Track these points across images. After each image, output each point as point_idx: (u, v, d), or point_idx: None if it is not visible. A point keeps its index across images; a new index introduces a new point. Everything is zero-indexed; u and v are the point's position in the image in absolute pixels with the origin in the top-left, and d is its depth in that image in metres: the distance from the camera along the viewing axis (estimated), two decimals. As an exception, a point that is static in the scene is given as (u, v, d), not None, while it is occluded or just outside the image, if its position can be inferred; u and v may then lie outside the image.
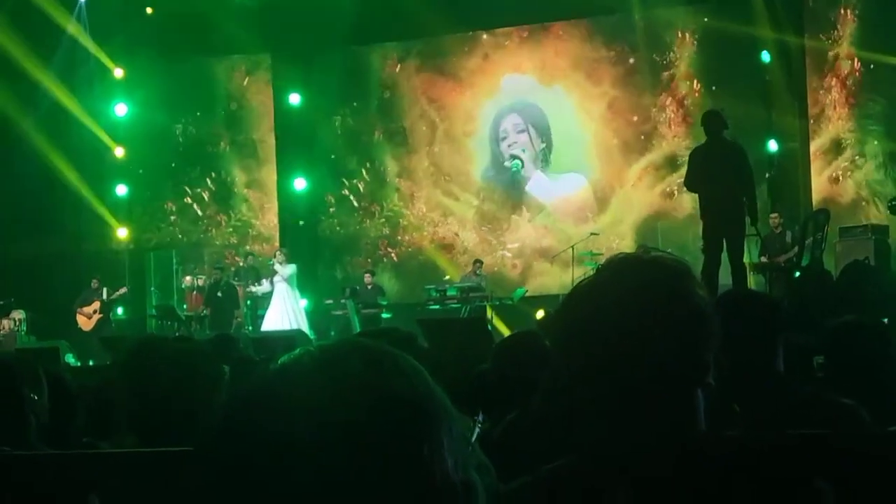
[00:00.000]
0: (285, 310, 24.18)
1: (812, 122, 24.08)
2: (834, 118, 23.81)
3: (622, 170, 25.87)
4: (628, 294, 2.56)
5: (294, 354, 1.53)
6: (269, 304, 24.48)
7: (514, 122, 26.88)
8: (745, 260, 16.75)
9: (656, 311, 2.53)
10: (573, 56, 26.28)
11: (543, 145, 26.63)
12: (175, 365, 4.65)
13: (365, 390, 1.47)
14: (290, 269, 24.67)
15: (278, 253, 25.10)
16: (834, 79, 23.84)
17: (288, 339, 17.77)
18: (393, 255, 27.44)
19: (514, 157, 26.78)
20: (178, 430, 3.82)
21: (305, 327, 23.58)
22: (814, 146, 24.07)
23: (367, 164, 27.68)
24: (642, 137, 25.68)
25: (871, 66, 23.16)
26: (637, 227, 25.33)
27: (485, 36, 26.93)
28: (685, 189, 17.57)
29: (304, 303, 25.48)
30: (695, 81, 25.21)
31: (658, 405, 2.55)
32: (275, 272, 24.63)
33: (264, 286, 24.76)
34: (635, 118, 25.76)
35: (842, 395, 4.67)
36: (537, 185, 26.66)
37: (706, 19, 24.97)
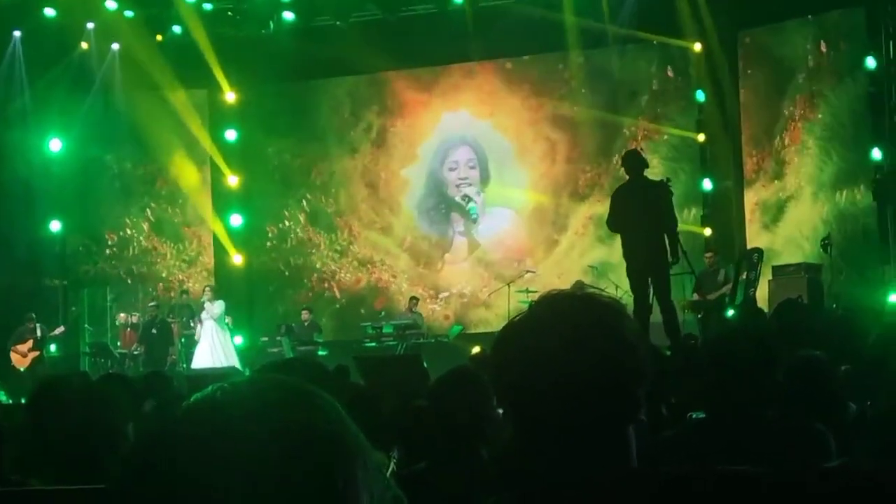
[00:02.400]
0: (213, 346, 24.07)
1: (751, 161, 24.25)
2: (770, 159, 23.99)
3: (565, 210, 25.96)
4: (560, 331, 2.57)
5: (206, 391, 1.52)
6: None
7: (468, 158, 26.90)
8: (679, 298, 16.81)
9: (588, 348, 2.54)
10: (511, 94, 26.37)
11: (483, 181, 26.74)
12: (76, 405, 4.65)
13: (279, 425, 1.47)
14: (219, 305, 24.54)
15: (207, 289, 25.01)
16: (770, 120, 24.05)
17: (221, 376, 17.66)
18: (332, 290, 27.37)
19: (468, 198, 26.73)
20: (85, 468, 3.81)
21: (236, 363, 23.51)
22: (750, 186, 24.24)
23: (305, 200, 27.61)
24: (585, 183, 25.77)
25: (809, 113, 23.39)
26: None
27: (423, 72, 26.94)
28: (608, 229, 17.37)
29: (239, 339, 25.39)
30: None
31: (590, 441, 2.57)
32: (202, 309, 24.54)
33: (199, 327, 24.66)
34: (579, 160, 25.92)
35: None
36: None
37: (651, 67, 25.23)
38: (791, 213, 23.56)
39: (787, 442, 4.58)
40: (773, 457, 4.15)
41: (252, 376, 1.57)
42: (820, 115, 23.24)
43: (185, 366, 24.02)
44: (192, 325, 25.00)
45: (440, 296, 25.94)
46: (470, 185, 26.73)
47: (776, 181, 23.76)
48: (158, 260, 27.73)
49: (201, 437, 1.46)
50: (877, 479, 2.87)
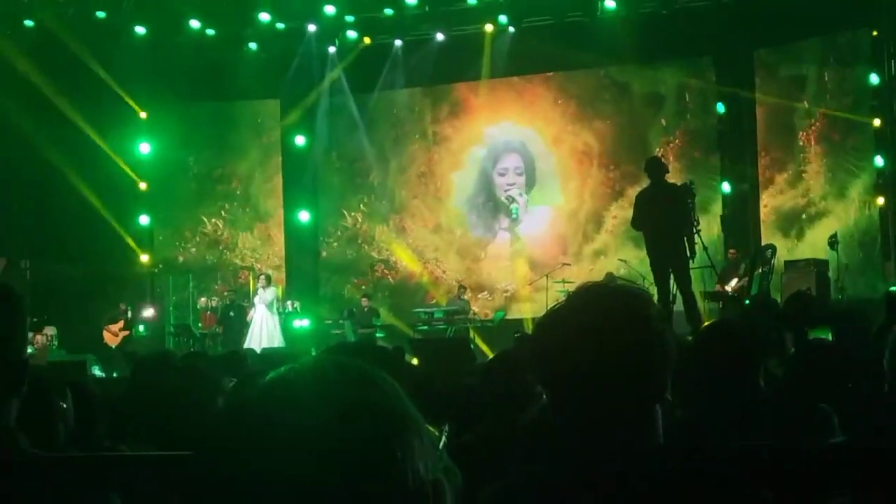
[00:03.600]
0: (262, 328, 24.16)
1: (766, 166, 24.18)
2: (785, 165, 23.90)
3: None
4: (593, 319, 2.57)
5: (280, 371, 1.55)
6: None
7: (516, 165, 26.84)
8: (700, 289, 16.77)
9: (617, 335, 2.54)
10: (554, 105, 26.35)
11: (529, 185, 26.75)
12: (177, 377, 4.67)
13: (344, 402, 1.49)
14: (271, 292, 24.65)
15: (261, 278, 25.09)
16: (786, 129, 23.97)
17: (292, 356, 17.73)
18: (389, 278, 27.43)
19: (511, 199, 26.73)
20: (180, 434, 3.83)
21: (281, 344, 23.64)
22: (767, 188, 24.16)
23: (364, 200, 27.68)
24: (617, 186, 25.74)
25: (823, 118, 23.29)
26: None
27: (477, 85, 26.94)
28: (632, 228, 17.38)
29: (306, 322, 25.47)
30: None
31: (619, 418, 2.56)
32: (256, 295, 24.67)
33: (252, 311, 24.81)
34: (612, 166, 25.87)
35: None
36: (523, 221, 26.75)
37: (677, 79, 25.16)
38: (803, 214, 23.48)
39: (794, 420, 4.57)
40: (781, 433, 4.13)
41: (318, 357, 1.59)
42: (828, 127, 23.13)
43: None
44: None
45: (481, 294, 25.88)
46: (515, 188, 26.67)
47: (790, 186, 23.63)
48: (234, 251, 27.80)
49: (276, 412, 1.48)
50: (877, 454, 2.86)
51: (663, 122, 25.35)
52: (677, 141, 24.98)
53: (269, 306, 24.46)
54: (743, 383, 4.69)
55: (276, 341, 23.82)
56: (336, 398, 1.50)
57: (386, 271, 27.48)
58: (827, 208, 23.06)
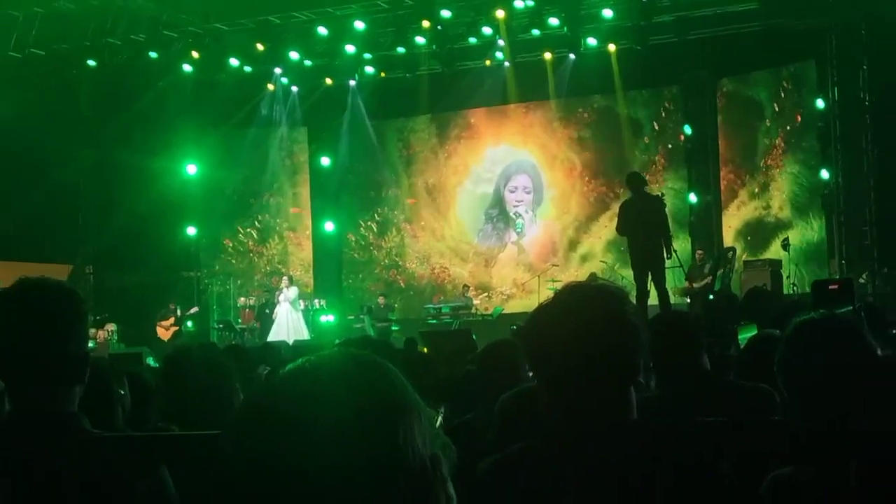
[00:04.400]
0: (287, 324, 24.17)
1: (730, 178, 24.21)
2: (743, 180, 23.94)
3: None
4: (576, 314, 2.59)
5: (297, 362, 1.58)
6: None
7: (525, 185, 26.82)
8: (671, 286, 16.84)
9: (597, 327, 2.56)
10: (547, 129, 26.39)
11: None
12: (201, 369, 4.69)
13: (353, 387, 1.52)
14: (294, 291, 24.70)
15: (284, 279, 25.16)
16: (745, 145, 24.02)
17: (319, 346, 17.76)
18: (400, 281, 27.46)
19: (518, 214, 26.71)
20: (206, 420, 3.84)
21: (305, 336, 23.64)
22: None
23: (378, 211, 27.75)
24: (600, 198, 25.79)
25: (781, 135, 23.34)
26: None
27: (479, 111, 26.97)
28: (617, 233, 17.54)
29: (331, 317, 25.53)
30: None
31: (599, 399, 2.58)
32: (280, 293, 24.68)
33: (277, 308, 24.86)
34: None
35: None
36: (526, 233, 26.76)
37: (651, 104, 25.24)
38: (761, 220, 23.50)
39: (740, 398, 4.59)
40: (729, 411, 4.13)
41: (332, 350, 1.61)
42: (782, 146, 23.16)
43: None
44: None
45: (483, 295, 25.83)
46: (523, 204, 26.69)
47: (751, 197, 23.65)
48: (263, 257, 27.86)
49: (293, 397, 1.51)
50: (809, 430, 2.86)
51: (641, 142, 25.34)
52: (654, 158, 24.98)
53: (293, 303, 24.52)
54: (687, 365, 4.71)
55: (301, 334, 23.86)
56: (346, 385, 1.52)
57: (397, 275, 27.51)
58: (780, 215, 23.06)
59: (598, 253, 25.25)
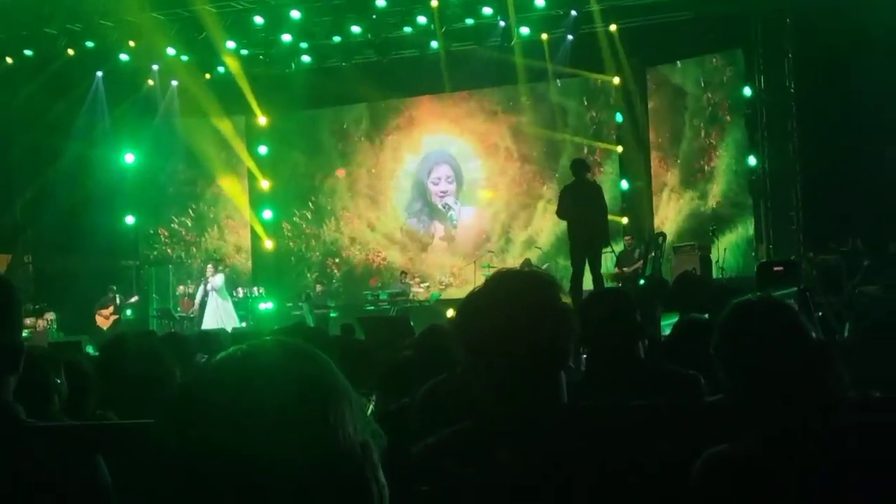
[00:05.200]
0: (216, 310, 23.97)
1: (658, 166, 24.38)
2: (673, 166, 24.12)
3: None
4: (507, 299, 2.60)
5: (229, 351, 1.58)
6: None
7: (447, 175, 26.77)
8: (603, 270, 16.97)
9: (528, 313, 2.57)
10: (482, 117, 26.41)
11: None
12: (137, 357, 4.66)
13: (284, 374, 1.52)
14: (220, 278, 24.42)
15: (209, 266, 24.92)
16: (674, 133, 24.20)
17: (258, 334, 17.66)
18: (335, 269, 27.37)
19: (448, 206, 26.66)
20: (144, 407, 3.82)
21: (235, 323, 23.49)
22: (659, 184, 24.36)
23: (313, 199, 27.65)
24: (534, 183, 25.85)
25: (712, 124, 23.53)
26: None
27: (408, 100, 26.92)
28: (557, 217, 17.59)
29: (270, 305, 25.43)
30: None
31: (531, 383, 2.58)
32: (206, 282, 24.48)
33: (199, 294, 24.65)
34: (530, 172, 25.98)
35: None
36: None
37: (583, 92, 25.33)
38: (691, 205, 23.68)
39: (667, 383, 4.61)
40: (655, 394, 4.15)
41: (262, 339, 1.60)
42: (711, 132, 23.36)
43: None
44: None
45: (423, 284, 25.78)
46: (449, 195, 26.68)
47: (683, 186, 23.84)
48: (207, 244, 27.69)
49: (225, 385, 1.51)
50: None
51: (572, 129, 25.43)
52: (585, 145, 25.07)
53: (220, 291, 24.27)
54: (618, 344, 4.72)
55: (232, 321, 23.65)
56: (277, 372, 1.53)
57: (333, 263, 27.42)
58: (712, 203, 23.26)
59: (534, 239, 25.31)
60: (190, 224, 27.65)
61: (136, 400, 4.18)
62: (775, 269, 14.19)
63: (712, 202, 23.17)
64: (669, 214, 23.92)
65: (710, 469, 2.89)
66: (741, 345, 3.09)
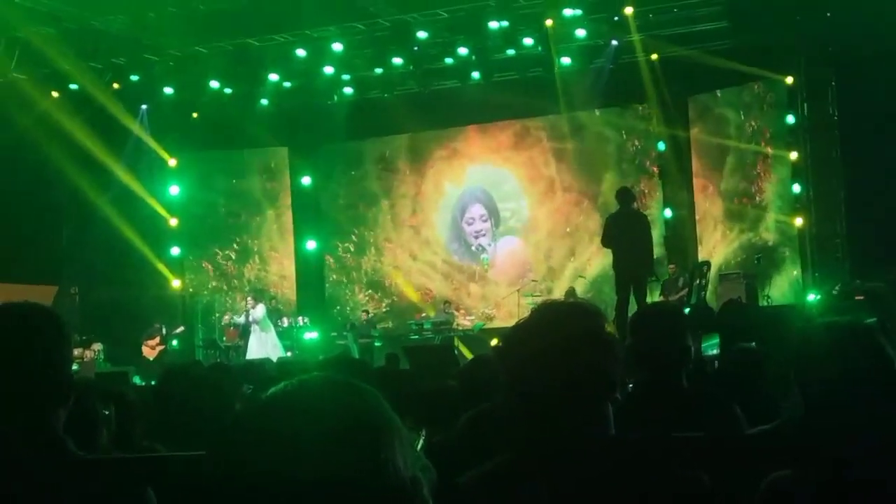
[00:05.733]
0: (260, 340, 23.98)
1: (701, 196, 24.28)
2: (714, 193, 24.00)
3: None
4: (553, 331, 2.59)
5: (279, 387, 1.60)
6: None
7: (481, 213, 26.76)
8: (647, 299, 16.88)
9: (573, 343, 2.56)
10: (524, 146, 26.42)
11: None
12: (197, 387, 4.67)
13: (335, 409, 1.54)
14: (260, 309, 24.39)
15: (249, 298, 24.94)
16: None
17: (302, 363, 17.69)
18: (380, 299, 27.41)
19: (482, 248, 26.65)
20: (200, 439, 3.81)
21: (280, 352, 23.49)
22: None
23: (356, 231, 27.73)
24: (577, 214, 25.82)
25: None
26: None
27: (450, 131, 26.99)
28: (601, 245, 17.53)
29: (315, 334, 25.46)
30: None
31: (576, 414, 2.57)
32: (247, 313, 24.49)
33: (241, 320, 24.68)
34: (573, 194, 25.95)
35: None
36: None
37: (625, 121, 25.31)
38: (735, 233, 23.55)
39: (701, 409, 4.52)
40: (692, 422, 4.07)
41: (310, 376, 1.62)
42: (755, 161, 23.25)
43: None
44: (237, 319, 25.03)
45: (468, 317, 25.77)
46: (484, 235, 26.67)
47: (725, 211, 23.74)
48: (242, 278, 27.79)
49: (278, 419, 1.53)
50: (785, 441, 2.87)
51: (615, 158, 25.40)
52: (628, 174, 25.00)
53: (262, 323, 24.27)
54: (667, 364, 4.64)
55: (277, 351, 23.64)
56: (325, 409, 1.54)
57: (378, 294, 27.46)
58: (754, 228, 23.13)
59: (579, 269, 25.23)
60: (234, 256, 27.76)
61: (193, 431, 4.18)
62: (857, 297, 14.16)
63: (758, 230, 23.01)
64: (714, 243, 23.78)
65: (775, 494, 2.88)
66: (823, 362, 3.04)
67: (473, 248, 26.62)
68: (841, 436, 2.86)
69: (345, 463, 1.48)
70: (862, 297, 13.58)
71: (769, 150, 22.90)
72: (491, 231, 26.57)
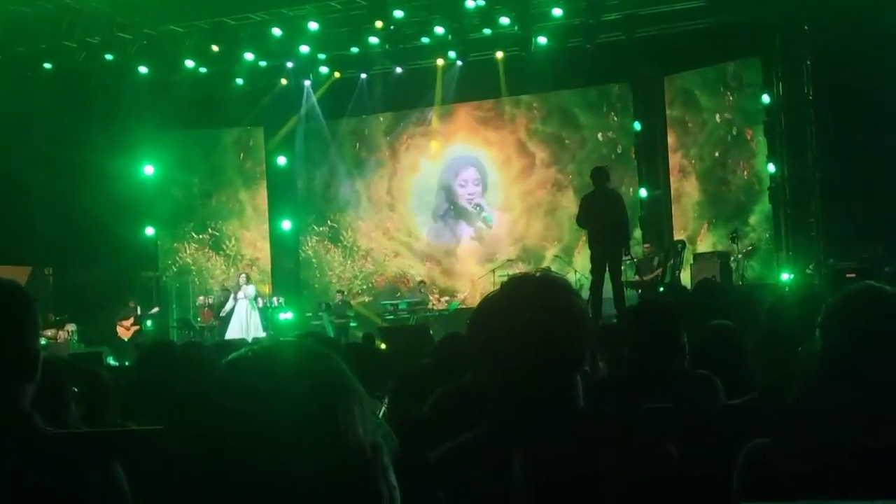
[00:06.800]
0: (244, 320, 24.03)
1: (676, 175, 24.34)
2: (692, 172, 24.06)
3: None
4: (520, 301, 2.59)
5: (242, 351, 1.60)
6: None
7: (475, 177, 26.78)
8: (623, 278, 16.93)
9: (541, 314, 2.55)
10: (499, 126, 26.43)
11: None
12: (175, 363, 4.68)
13: (295, 375, 1.54)
14: (252, 289, 24.51)
15: (243, 276, 25.02)
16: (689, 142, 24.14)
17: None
18: (355, 280, 27.42)
19: (480, 207, 26.65)
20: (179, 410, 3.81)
21: (258, 334, 23.42)
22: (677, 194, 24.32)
23: (332, 210, 27.71)
24: (554, 190, 25.86)
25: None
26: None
27: (426, 110, 26.96)
28: (577, 225, 17.54)
29: (289, 315, 25.47)
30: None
31: (546, 387, 2.57)
32: (239, 289, 24.50)
33: (229, 304, 24.66)
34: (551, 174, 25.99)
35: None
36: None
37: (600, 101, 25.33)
38: (711, 213, 23.65)
39: (685, 385, 4.60)
40: (673, 396, 4.14)
41: (273, 341, 1.63)
42: (730, 140, 23.32)
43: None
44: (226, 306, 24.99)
45: (443, 298, 25.80)
46: (478, 197, 26.70)
47: (701, 190, 23.82)
48: (221, 255, 27.74)
49: (237, 385, 1.55)
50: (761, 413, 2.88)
51: (592, 137, 25.43)
52: (603, 154, 25.04)
53: (251, 301, 24.34)
54: (668, 350, 4.72)
55: (258, 332, 23.70)
56: (288, 371, 1.55)
57: (353, 272, 27.46)
58: (729, 207, 23.23)
59: (554, 248, 25.30)
60: (208, 236, 27.68)
61: (167, 409, 4.18)
62: (848, 275, 14.25)
63: (732, 210, 23.10)
64: (689, 223, 23.86)
65: (753, 461, 2.88)
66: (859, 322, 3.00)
67: (470, 207, 26.61)
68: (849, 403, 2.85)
69: (303, 429, 1.49)
70: (854, 276, 13.65)
71: (745, 130, 22.98)
72: (480, 196, 26.58)
